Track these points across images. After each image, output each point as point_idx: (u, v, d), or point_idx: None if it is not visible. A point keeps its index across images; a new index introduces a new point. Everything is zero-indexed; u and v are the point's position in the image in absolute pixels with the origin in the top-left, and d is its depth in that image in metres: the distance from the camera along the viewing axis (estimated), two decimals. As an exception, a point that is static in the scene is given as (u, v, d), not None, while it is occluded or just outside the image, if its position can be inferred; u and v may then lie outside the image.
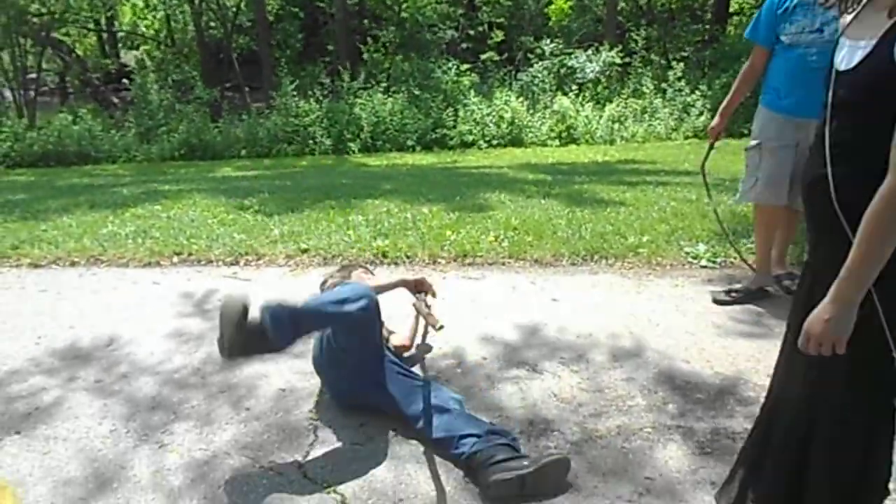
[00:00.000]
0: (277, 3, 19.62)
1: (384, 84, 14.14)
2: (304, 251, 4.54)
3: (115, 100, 18.89)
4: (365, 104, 13.24)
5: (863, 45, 1.31)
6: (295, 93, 13.53)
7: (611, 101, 13.54)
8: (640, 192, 6.17)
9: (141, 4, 20.83)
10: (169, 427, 2.45)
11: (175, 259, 4.54)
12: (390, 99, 13.44)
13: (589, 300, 3.60)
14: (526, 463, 2.00)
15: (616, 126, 13.02)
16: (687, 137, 12.56)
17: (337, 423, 2.44)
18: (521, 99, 13.53)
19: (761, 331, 3.16)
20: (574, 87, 13.95)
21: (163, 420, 2.50)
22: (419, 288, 2.65)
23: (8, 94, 16.66)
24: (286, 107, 13.38)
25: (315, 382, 2.68)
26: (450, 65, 14.47)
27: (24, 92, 16.28)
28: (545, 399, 2.58)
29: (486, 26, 18.24)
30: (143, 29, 21.98)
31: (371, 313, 2.30)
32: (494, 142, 12.88)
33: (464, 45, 17.98)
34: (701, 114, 12.68)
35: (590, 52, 14.79)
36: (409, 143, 12.80)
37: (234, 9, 18.77)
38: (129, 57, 22.70)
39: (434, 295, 2.69)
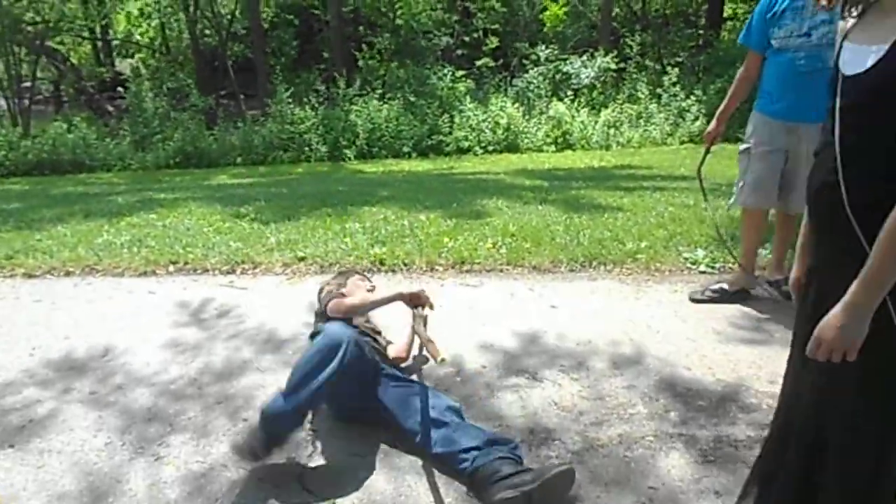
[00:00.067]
0: (272, 11, 19.68)
1: (379, 91, 14.17)
2: (301, 259, 4.52)
3: (110, 108, 18.88)
4: (360, 111, 13.26)
5: (874, 49, 1.30)
6: (290, 100, 13.54)
7: (606, 107, 13.58)
8: (638, 198, 6.16)
9: (136, 13, 20.82)
10: (165, 439, 2.42)
11: (171, 268, 4.50)
12: (386, 105, 13.46)
13: (588, 307, 3.58)
14: (529, 478, 1.95)
15: (612, 131, 13.06)
16: (683, 142, 12.60)
17: (336, 434, 2.41)
18: (516, 105, 13.56)
19: (762, 337, 3.14)
20: (569, 92, 13.97)
21: (159, 432, 2.47)
22: (415, 301, 2.60)
23: (2, 102, 16.65)
24: (281, 114, 13.38)
25: (313, 392, 2.65)
26: (445, 71, 14.50)
27: (18, 100, 16.27)
28: (545, 407, 2.55)
29: (480, 33, 18.26)
30: (138, 37, 21.98)
31: (353, 357, 2.22)
32: (490, 148, 12.89)
33: (459, 52, 18.03)
34: (696, 119, 12.73)
35: (585, 57, 14.83)
36: (405, 149, 12.81)
37: (229, 16, 18.83)
38: (123, 65, 22.69)
39: (431, 307, 2.66)
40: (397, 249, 4.58)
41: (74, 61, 22.11)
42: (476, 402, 2.61)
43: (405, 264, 4.36)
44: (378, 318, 2.99)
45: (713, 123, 3.62)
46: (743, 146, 3.47)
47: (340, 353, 2.18)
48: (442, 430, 2.20)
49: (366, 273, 3.52)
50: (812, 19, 3.09)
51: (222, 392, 2.76)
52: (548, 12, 18.05)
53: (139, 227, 5.63)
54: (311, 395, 2.16)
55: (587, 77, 14.36)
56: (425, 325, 2.61)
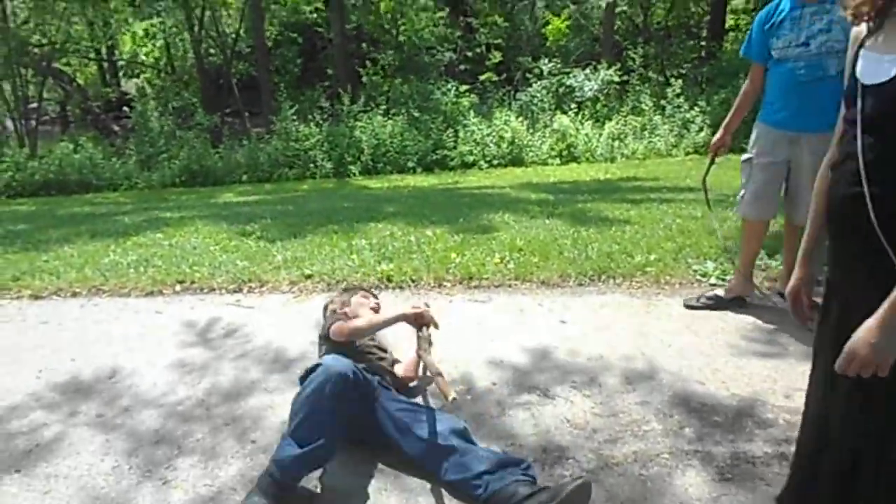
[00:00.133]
0: (276, 29, 19.80)
1: (384, 106, 14.22)
2: (308, 277, 4.49)
3: (116, 128, 18.99)
4: (365, 127, 13.30)
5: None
6: (295, 117, 13.61)
7: (610, 119, 13.58)
8: (645, 210, 6.13)
9: (141, 33, 21.00)
10: (173, 462, 2.39)
11: (177, 287, 4.49)
12: (390, 121, 13.51)
13: (598, 321, 3.54)
14: (546, 497, 1.90)
15: (616, 143, 13.05)
16: (688, 153, 12.57)
17: (346, 455, 2.36)
18: (520, 118, 13.59)
19: (776, 350, 3.09)
20: (573, 105, 14.00)
21: (166, 455, 2.44)
22: (419, 321, 2.57)
23: (9, 123, 16.79)
24: (286, 131, 13.45)
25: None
26: (449, 86, 14.56)
27: (25, 122, 16.40)
28: (558, 425, 2.51)
29: (483, 48, 18.34)
30: (144, 57, 22.14)
31: (342, 385, 2.19)
32: (495, 162, 12.91)
33: (462, 67, 18.09)
34: (701, 129, 12.70)
35: (588, 70, 14.87)
36: (410, 164, 12.83)
37: (234, 35, 18.96)
38: (129, 85, 22.82)
39: (437, 327, 2.63)
40: (404, 266, 4.55)
41: (81, 82, 22.31)
42: (487, 421, 2.57)
43: (413, 280, 4.34)
44: (386, 335, 2.96)
45: (719, 133, 3.62)
46: (745, 156, 3.47)
47: (329, 384, 2.15)
48: (451, 456, 2.15)
49: (372, 290, 3.50)
50: (809, 28, 3.08)
51: (230, 413, 2.73)
52: (550, 26, 18.11)
53: (145, 246, 5.63)
54: (312, 423, 2.13)
55: (591, 90, 14.39)
56: (430, 344, 2.58)
